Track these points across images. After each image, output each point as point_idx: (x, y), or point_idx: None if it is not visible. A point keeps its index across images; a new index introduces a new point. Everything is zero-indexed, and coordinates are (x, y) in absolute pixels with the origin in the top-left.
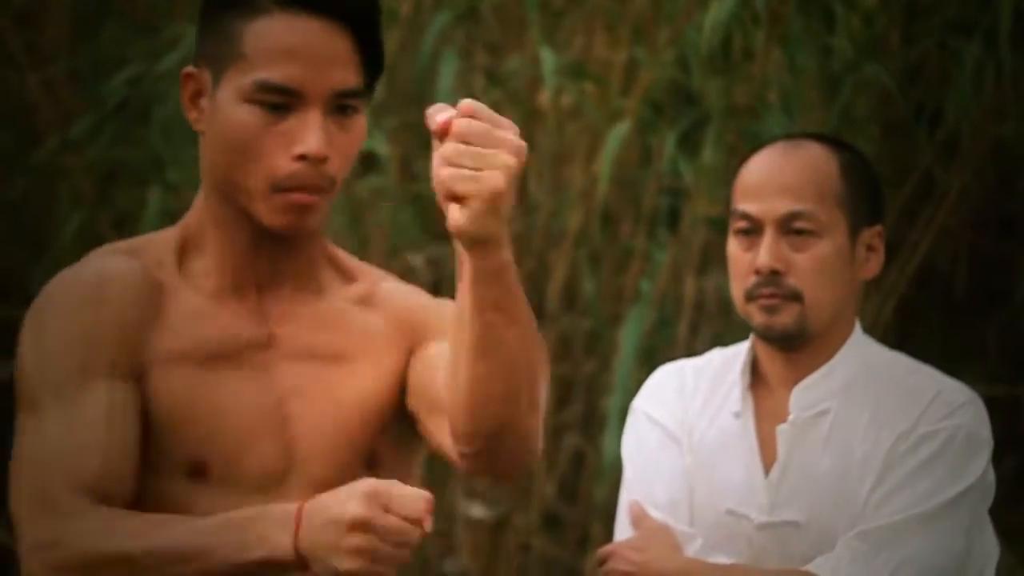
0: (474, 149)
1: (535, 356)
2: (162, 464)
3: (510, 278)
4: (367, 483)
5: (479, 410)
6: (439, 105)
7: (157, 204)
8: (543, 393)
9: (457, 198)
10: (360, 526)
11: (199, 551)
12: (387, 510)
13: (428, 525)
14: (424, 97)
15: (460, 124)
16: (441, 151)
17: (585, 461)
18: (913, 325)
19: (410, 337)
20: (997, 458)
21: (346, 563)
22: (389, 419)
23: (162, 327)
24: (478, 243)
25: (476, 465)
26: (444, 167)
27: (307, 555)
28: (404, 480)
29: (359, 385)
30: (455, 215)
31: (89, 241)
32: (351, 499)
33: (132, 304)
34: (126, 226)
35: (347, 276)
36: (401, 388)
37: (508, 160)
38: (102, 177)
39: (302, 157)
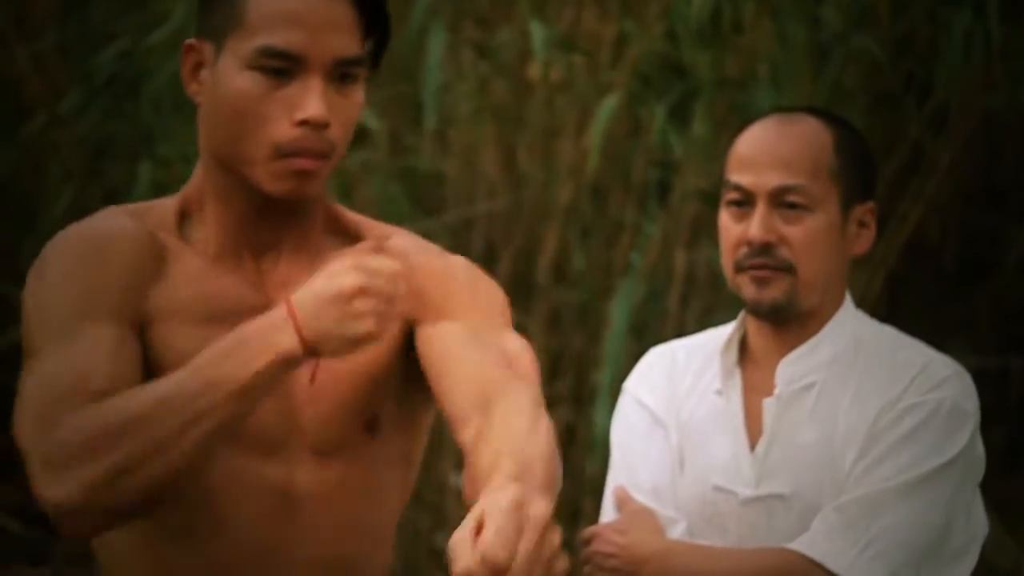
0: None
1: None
2: None
3: None
4: (347, 259)
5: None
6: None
7: (147, 178)
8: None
9: None
10: (360, 292)
11: (206, 384)
12: (373, 275)
13: (404, 284)
14: (413, 71)
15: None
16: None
17: (576, 434)
18: (903, 297)
19: (416, 303)
20: (987, 430)
21: (360, 327)
22: (392, 383)
23: (164, 284)
24: None
25: None
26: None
27: (315, 341)
28: (411, 445)
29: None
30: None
31: (79, 216)
32: (339, 275)
33: (136, 259)
34: (116, 200)
35: (350, 236)
36: (405, 349)
37: None
38: (92, 151)
39: (304, 123)
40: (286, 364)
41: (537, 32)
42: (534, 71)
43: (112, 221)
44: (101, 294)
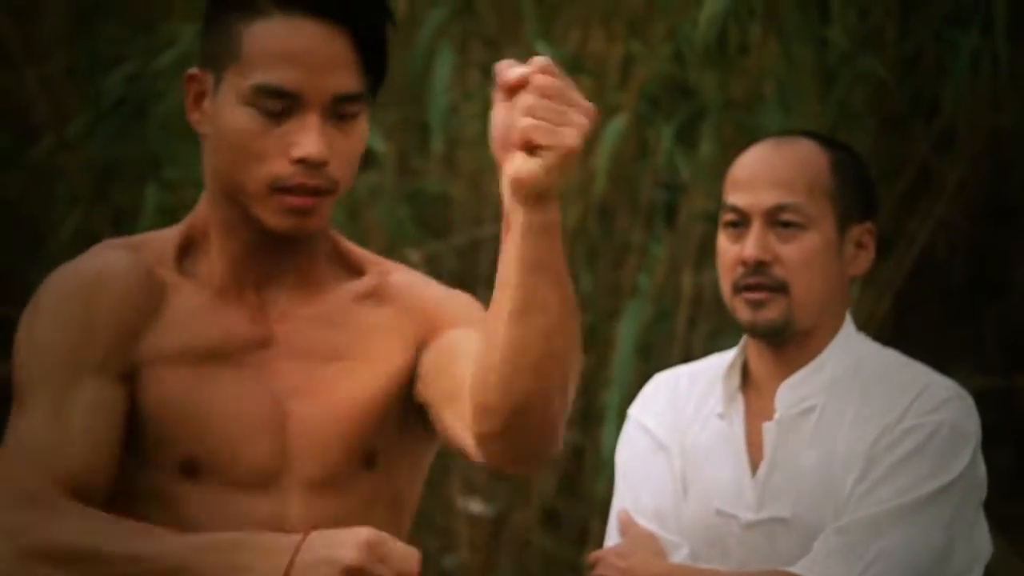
0: (554, 104)
1: (573, 327)
2: (156, 460)
3: (558, 238)
4: (366, 531)
5: (512, 378)
6: (509, 61)
7: (154, 201)
8: (575, 373)
9: (531, 148)
10: (355, 573)
11: (180, 566)
12: (381, 561)
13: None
14: (420, 93)
15: (541, 79)
16: (522, 102)
17: (584, 456)
18: (910, 317)
19: (422, 329)
20: (993, 450)
21: None
22: (390, 418)
23: (160, 324)
24: (541, 196)
25: (495, 448)
26: (524, 117)
27: None
28: (410, 478)
29: (357, 384)
30: (526, 165)
31: (86, 239)
32: (349, 545)
33: (130, 300)
34: (123, 224)
35: (354, 270)
36: (407, 384)
37: (583, 120)
38: (99, 175)
39: (301, 160)
40: None
41: (544, 54)
42: None
43: (108, 258)
44: (88, 346)
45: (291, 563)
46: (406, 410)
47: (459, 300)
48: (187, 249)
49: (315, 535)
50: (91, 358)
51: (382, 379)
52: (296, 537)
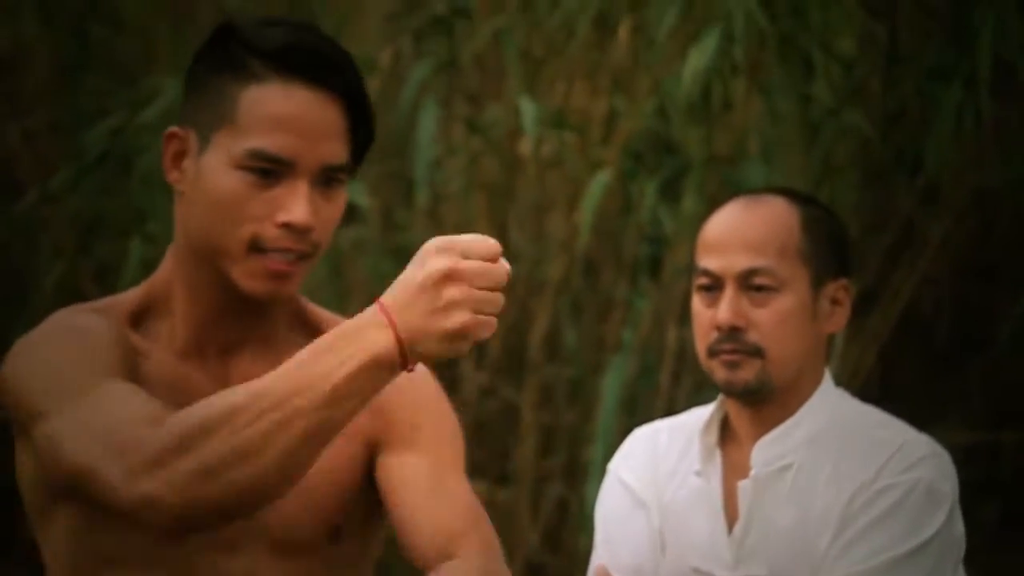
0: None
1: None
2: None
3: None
4: (431, 242)
5: None
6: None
7: (138, 256)
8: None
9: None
10: (448, 277)
11: (301, 383)
12: (466, 257)
13: (506, 266)
14: (404, 147)
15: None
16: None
17: (568, 510)
18: (895, 372)
19: (376, 422)
20: (978, 504)
21: (453, 319)
22: (355, 491)
23: (138, 383)
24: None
25: None
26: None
27: (410, 338)
28: (369, 548)
29: (324, 454)
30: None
31: (70, 292)
32: (425, 261)
33: (115, 351)
34: (107, 278)
35: (315, 333)
36: (369, 461)
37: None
38: (83, 228)
39: (286, 225)
40: (380, 367)
41: (528, 109)
42: (525, 147)
43: (79, 317)
44: (103, 353)
45: (391, 319)
46: (369, 485)
47: (423, 403)
48: (147, 312)
49: (392, 286)
50: (112, 368)
51: (346, 448)
52: (371, 308)
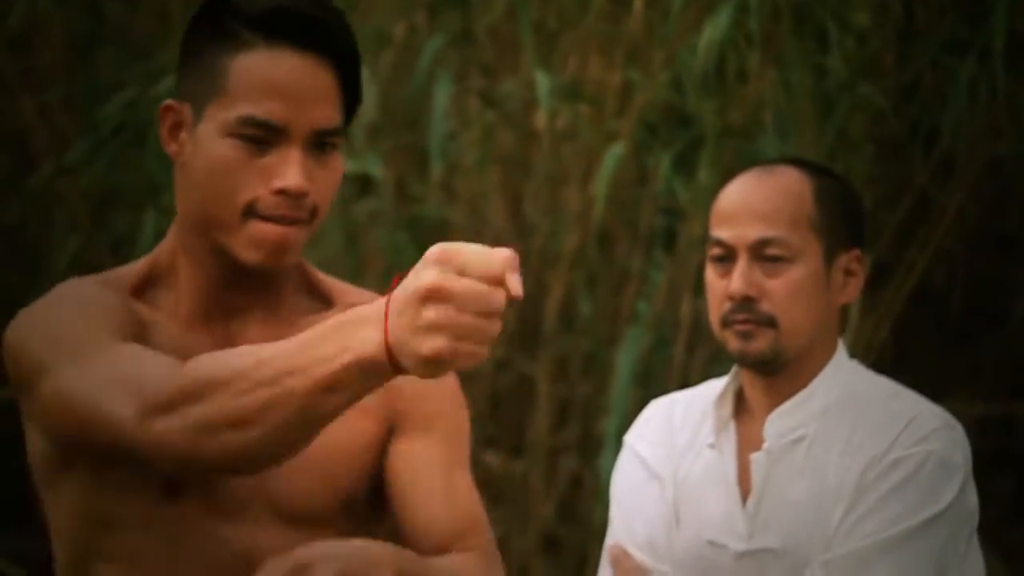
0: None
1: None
2: (138, 483)
3: None
4: (435, 247)
5: None
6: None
7: (153, 228)
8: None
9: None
10: (433, 295)
11: (298, 366)
12: (462, 273)
13: (516, 286)
14: (419, 120)
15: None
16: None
17: (583, 483)
18: (909, 344)
19: (391, 407)
20: (992, 477)
21: (428, 344)
22: (368, 465)
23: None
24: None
25: None
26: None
27: (394, 346)
28: (378, 529)
29: (336, 424)
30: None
31: (85, 265)
32: (419, 269)
33: (124, 318)
34: (122, 250)
35: (323, 300)
36: (385, 435)
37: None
38: (98, 202)
39: (281, 191)
40: (364, 369)
41: (542, 81)
42: (540, 120)
43: (84, 287)
44: (110, 317)
45: (386, 320)
46: (381, 456)
47: (436, 394)
48: (151, 283)
49: (398, 288)
50: (122, 329)
51: (360, 422)
52: (382, 301)
